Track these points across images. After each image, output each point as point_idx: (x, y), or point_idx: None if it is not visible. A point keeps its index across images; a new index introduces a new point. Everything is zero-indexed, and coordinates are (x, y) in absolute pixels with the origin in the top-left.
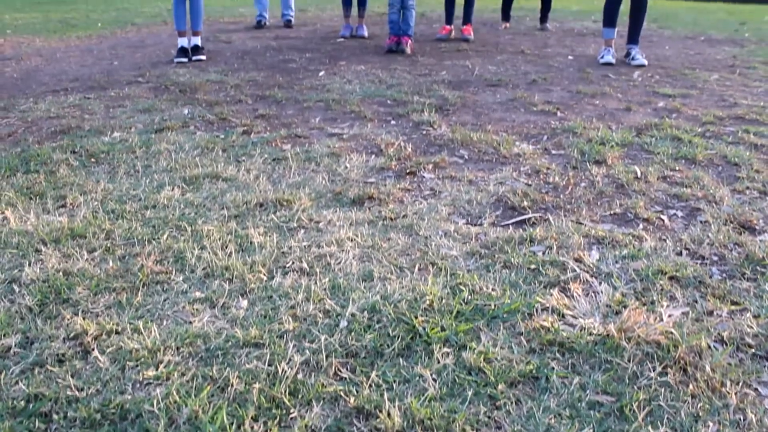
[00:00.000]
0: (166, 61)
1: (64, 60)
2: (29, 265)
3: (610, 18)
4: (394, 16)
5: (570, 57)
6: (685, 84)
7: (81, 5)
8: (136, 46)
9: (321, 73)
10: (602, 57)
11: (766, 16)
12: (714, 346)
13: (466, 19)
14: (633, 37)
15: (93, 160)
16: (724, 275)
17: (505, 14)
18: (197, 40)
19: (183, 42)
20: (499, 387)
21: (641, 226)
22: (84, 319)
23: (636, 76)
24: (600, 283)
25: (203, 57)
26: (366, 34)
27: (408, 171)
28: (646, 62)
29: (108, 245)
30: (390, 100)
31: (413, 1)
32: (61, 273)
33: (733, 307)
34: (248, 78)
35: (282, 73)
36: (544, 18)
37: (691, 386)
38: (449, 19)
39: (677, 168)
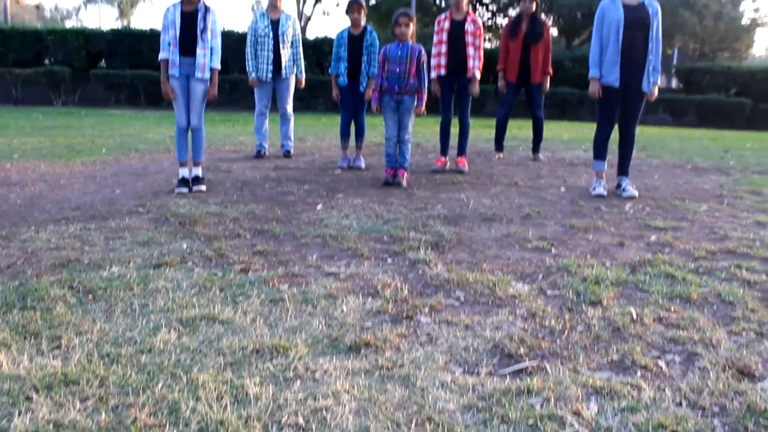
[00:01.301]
0: (167, 190)
1: (68, 187)
2: (19, 414)
3: (600, 151)
4: (391, 149)
5: (562, 188)
6: (676, 216)
7: (87, 130)
8: (138, 174)
9: (319, 207)
10: (594, 189)
11: (748, 143)
12: None
13: (461, 151)
14: (623, 168)
15: (90, 296)
16: (727, 428)
17: (499, 144)
18: (198, 171)
19: (184, 172)
20: None
21: (639, 373)
22: None
23: (627, 208)
24: None
25: (203, 188)
26: (363, 165)
27: (404, 315)
28: (636, 193)
29: (101, 394)
30: (386, 236)
31: (409, 136)
32: (51, 425)
33: None
34: (247, 210)
35: (280, 206)
36: (536, 148)
37: None
38: (444, 150)
39: (672, 308)
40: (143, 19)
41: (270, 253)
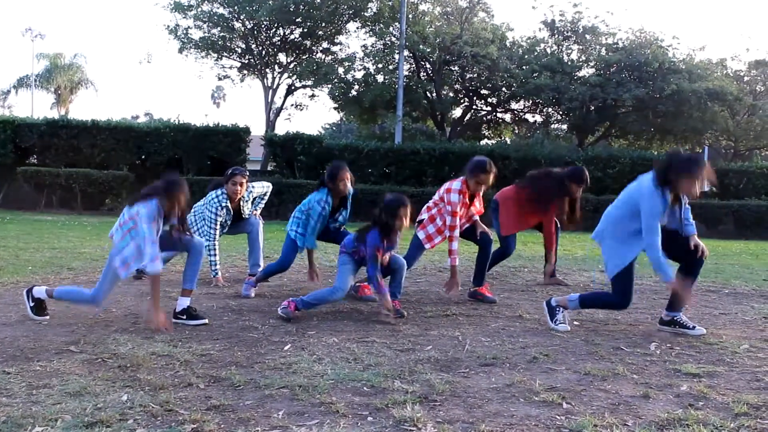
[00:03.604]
0: (105, 323)
1: None
2: None
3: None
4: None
5: (575, 322)
6: (711, 357)
7: (11, 241)
8: None
9: (287, 347)
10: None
11: None
12: None
13: (480, 281)
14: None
15: None
16: None
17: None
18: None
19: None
20: None
21: None
22: None
23: (653, 348)
24: None
25: (205, 321)
26: None
27: None
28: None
29: None
30: (366, 386)
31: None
32: None
33: None
34: (201, 351)
35: (241, 345)
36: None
37: None
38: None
39: None
40: (84, 109)
41: (227, 409)
